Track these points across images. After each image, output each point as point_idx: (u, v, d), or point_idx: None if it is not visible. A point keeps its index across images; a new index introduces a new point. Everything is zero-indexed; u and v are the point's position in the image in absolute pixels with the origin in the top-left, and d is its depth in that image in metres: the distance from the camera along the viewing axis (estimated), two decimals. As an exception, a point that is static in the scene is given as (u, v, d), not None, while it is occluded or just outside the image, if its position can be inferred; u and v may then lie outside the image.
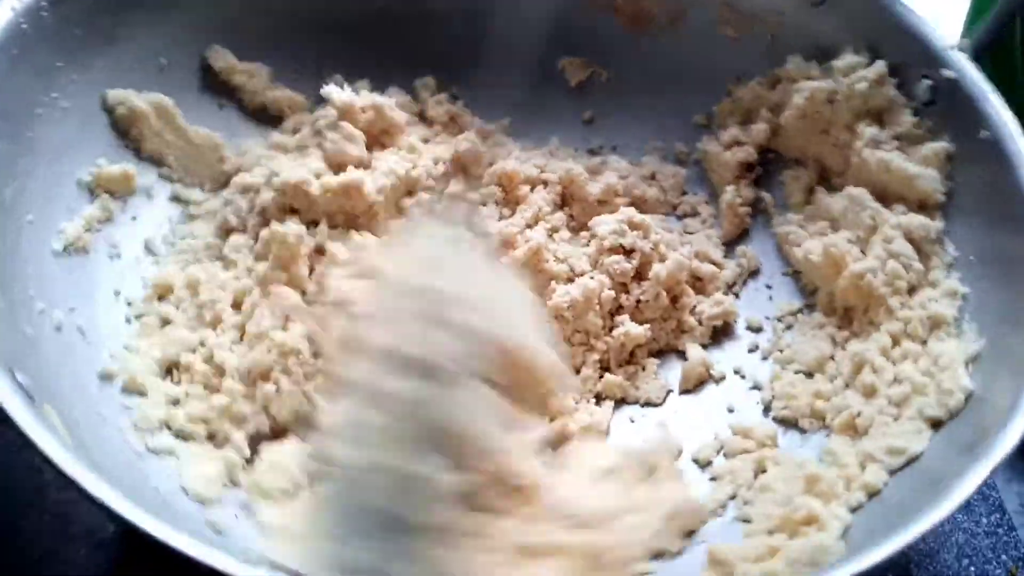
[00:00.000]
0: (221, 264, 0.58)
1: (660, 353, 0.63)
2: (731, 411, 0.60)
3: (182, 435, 0.50)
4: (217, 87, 0.65)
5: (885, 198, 0.61)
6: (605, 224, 0.63)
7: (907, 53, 0.62)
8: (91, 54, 0.56)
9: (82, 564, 0.52)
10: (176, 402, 0.51)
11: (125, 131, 0.59)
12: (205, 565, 0.37)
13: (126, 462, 0.47)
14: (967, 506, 0.54)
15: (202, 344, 0.54)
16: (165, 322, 0.55)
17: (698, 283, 0.64)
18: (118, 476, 0.42)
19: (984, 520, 0.56)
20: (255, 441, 0.52)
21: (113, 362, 0.52)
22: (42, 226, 0.52)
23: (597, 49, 0.73)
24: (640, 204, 0.68)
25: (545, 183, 0.66)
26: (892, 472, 0.49)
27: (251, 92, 0.65)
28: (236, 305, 0.56)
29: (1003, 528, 0.55)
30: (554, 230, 0.65)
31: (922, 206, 0.60)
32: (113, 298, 0.55)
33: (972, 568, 0.54)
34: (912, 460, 0.49)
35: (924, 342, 0.54)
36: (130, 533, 0.46)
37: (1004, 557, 0.54)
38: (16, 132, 0.51)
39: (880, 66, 0.62)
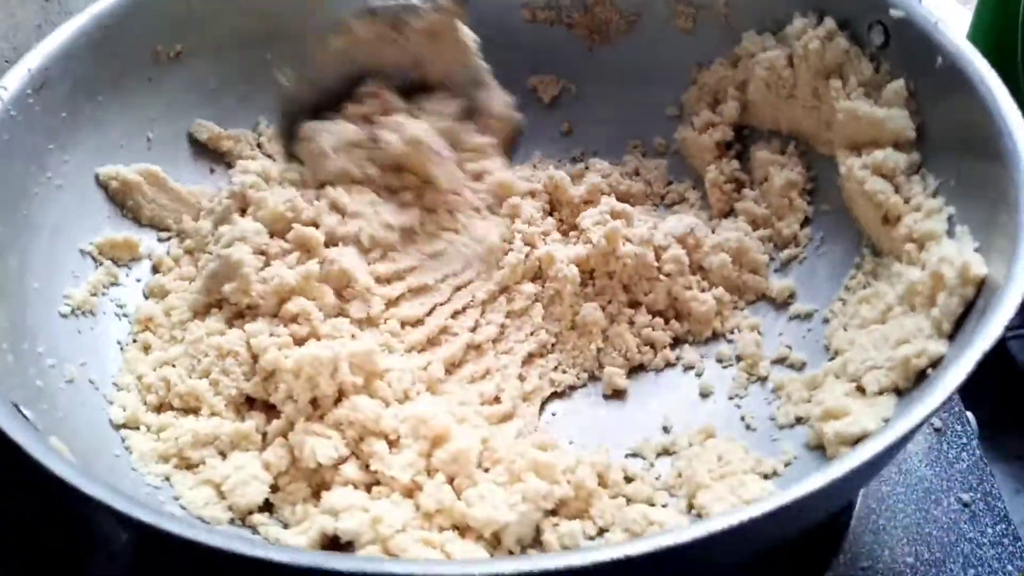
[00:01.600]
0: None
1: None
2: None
3: (171, 463, 0.51)
4: (206, 154, 0.68)
5: (860, 147, 0.62)
6: (589, 217, 0.65)
7: (853, 4, 0.63)
8: (79, 135, 0.60)
9: (96, 572, 0.53)
10: (161, 431, 0.53)
11: (122, 203, 0.62)
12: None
13: (145, 494, 0.49)
14: (972, 517, 0.55)
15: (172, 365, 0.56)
16: (146, 348, 0.57)
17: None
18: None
19: (990, 530, 0.55)
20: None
21: (121, 409, 0.53)
22: (48, 292, 0.55)
23: (562, 64, 0.76)
24: (626, 199, 0.69)
25: (533, 193, 0.68)
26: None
27: (238, 155, 0.68)
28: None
29: (1008, 538, 0.54)
30: (544, 234, 0.66)
31: (897, 147, 0.60)
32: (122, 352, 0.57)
33: (978, 578, 0.53)
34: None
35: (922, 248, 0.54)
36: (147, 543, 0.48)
37: (1010, 567, 0.53)
38: (13, 212, 0.54)
39: (829, 23, 0.64)
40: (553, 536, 0.48)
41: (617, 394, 0.60)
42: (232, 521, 0.49)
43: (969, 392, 0.60)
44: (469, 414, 0.55)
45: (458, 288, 0.63)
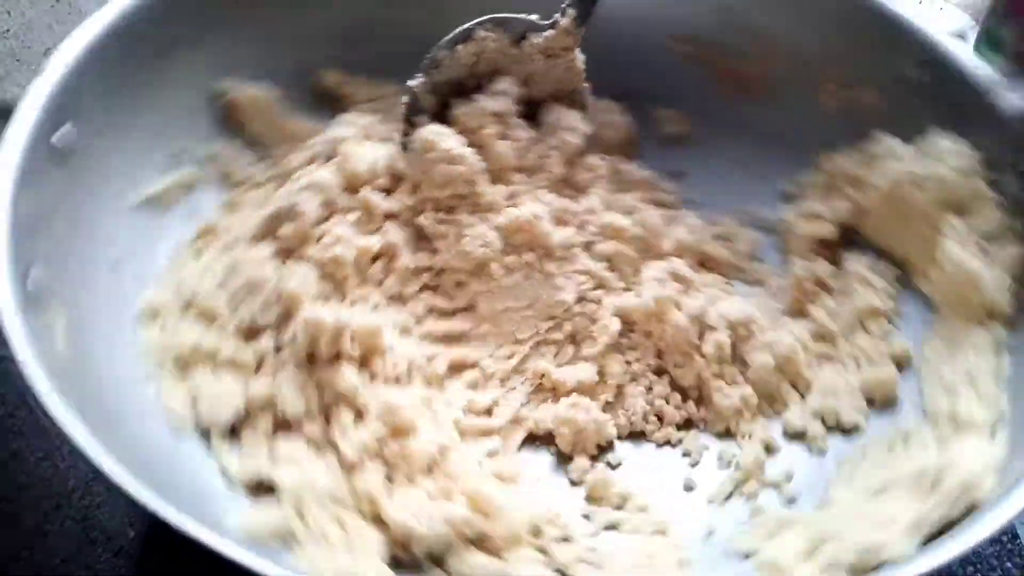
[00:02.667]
0: None
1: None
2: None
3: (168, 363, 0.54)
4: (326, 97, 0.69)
5: (952, 303, 0.57)
6: (652, 270, 0.63)
7: (1007, 145, 0.57)
8: (206, 46, 0.62)
9: (103, 569, 0.54)
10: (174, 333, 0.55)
11: (229, 118, 0.65)
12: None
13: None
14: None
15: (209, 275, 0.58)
16: (197, 254, 0.59)
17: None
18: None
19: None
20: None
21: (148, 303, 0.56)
22: (128, 177, 0.58)
23: (694, 105, 0.73)
24: (705, 262, 0.67)
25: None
26: None
27: (352, 104, 0.68)
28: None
29: (1007, 535, 0.55)
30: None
31: (989, 315, 0.55)
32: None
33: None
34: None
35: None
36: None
37: (1009, 565, 0.53)
38: (119, 97, 0.57)
39: (973, 154, 0.58)
40: (457, 562, 0.48)
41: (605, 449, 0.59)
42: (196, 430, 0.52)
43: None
44: (446, 417, 0.55)
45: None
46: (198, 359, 0.54)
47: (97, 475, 0.40)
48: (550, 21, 0.63)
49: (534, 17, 0.63)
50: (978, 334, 0.55)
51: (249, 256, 0.58)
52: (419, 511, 0.48)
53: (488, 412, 0.59)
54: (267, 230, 0.59)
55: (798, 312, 0.64)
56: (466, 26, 0.62)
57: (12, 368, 0.42)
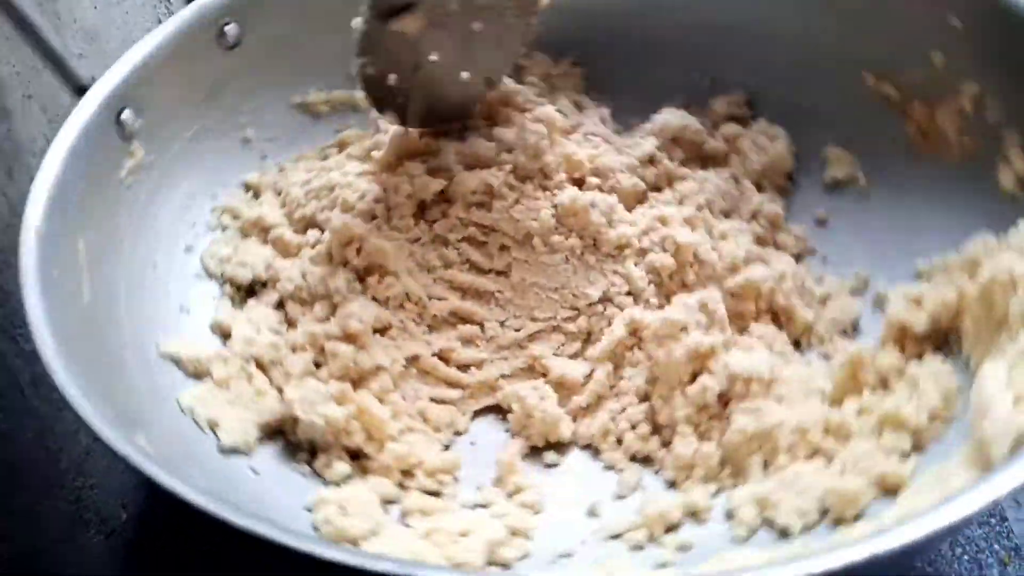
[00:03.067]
0: None
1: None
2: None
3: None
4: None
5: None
6: (686, 297, 0.58)
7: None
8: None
9: (96, 550, 0.53)
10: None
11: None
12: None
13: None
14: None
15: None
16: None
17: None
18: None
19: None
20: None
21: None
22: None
23: (869, 149, 0.63)
24: (779, 315, 0.59)
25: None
26: None
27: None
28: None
29: (996, 518, 0.55)
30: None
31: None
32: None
33: (966, 557, 0.54)
34: None
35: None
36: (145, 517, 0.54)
37: (996, 547, 0.54)
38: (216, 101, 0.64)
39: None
40: (322, 462, 0.53)
41: (565, 451, 0.57)
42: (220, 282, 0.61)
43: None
44: (409, 351, 0.58)
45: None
46: (256, 229, 0.64)
47: (89, 453, 0.45)
48: None
49: None
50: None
51: (342, 168, 0.66)
52: (306, 397, 0.53)
53: (465, 367, 0.60)
54: (364, 154, 0.67)
55: (837, 400, 0.53)
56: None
57: (3, 348, 0.48)
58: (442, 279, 0.62)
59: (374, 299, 0.60)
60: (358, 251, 0.60)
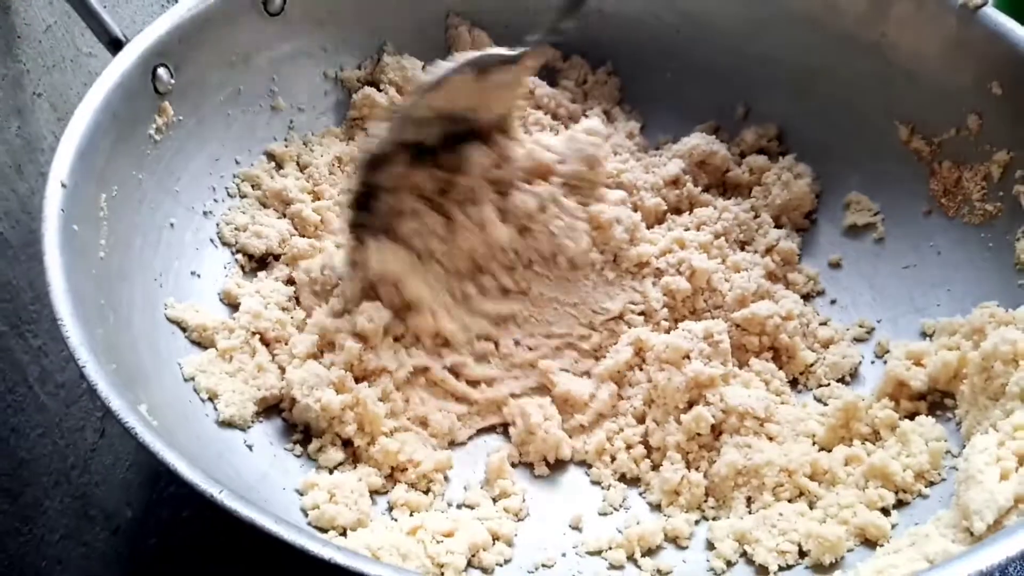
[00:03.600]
0: None
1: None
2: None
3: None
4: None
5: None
6: (692, 324, 0.58)
7: None
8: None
9: (101, 546, 0.53)
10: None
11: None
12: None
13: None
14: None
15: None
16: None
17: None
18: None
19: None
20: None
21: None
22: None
23: (894, 200, 0.63)
24: (781, 353, 0.60)
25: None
26: None
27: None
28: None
29: None
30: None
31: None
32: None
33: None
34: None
35: None
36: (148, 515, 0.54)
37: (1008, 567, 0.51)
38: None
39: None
40: (314, 447, 0.54)
41: (557, 465, 0.57)
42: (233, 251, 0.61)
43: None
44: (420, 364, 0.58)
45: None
46: (277, 200, 0.64)
47: (95, 450, 0.44)
48: (517, 53, 0.57)
49: (503, 50, 0.58)
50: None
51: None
52: (306, 380, 0.54)
53: (475, 383, 0.59)
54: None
55: (827, 446, 0.54)
56: (445, 73, 0.56)
57: (12, 344, 0.46)
58: (475, 311, 0.60)
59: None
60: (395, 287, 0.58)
